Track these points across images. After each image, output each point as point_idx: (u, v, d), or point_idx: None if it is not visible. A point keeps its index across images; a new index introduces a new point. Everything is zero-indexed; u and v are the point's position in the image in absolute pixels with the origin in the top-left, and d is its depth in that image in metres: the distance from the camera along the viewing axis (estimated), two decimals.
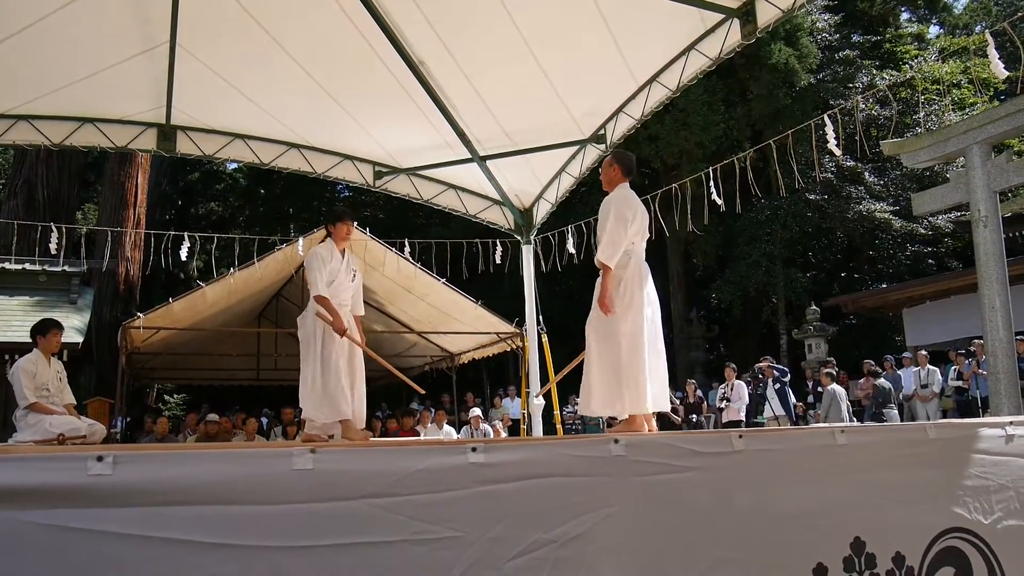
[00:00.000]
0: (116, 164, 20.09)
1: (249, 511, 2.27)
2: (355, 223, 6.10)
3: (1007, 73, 5.53)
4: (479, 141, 8.14)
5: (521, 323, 11.35)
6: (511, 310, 12.68)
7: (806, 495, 3.02)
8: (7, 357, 11.64)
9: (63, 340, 6.97)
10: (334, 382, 5.45)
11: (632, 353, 4.44)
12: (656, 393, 4.49)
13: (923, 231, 21.17)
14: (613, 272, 4.56)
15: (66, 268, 15.11)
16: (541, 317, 9.79)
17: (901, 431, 3.55)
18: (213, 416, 11.63)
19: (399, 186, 9.30)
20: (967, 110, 19.88)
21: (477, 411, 13.22)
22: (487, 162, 8.41)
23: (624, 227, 4.59)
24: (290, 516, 2.30)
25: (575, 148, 8.28)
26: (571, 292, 24.73)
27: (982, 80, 19.44)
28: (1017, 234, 15.68)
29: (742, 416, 12.98)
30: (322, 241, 6.13)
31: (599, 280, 4.63)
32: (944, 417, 12.23)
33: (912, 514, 3.15)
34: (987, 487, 3.33)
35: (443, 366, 16.42)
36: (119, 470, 2.17)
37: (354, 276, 5.94)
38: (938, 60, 21.57)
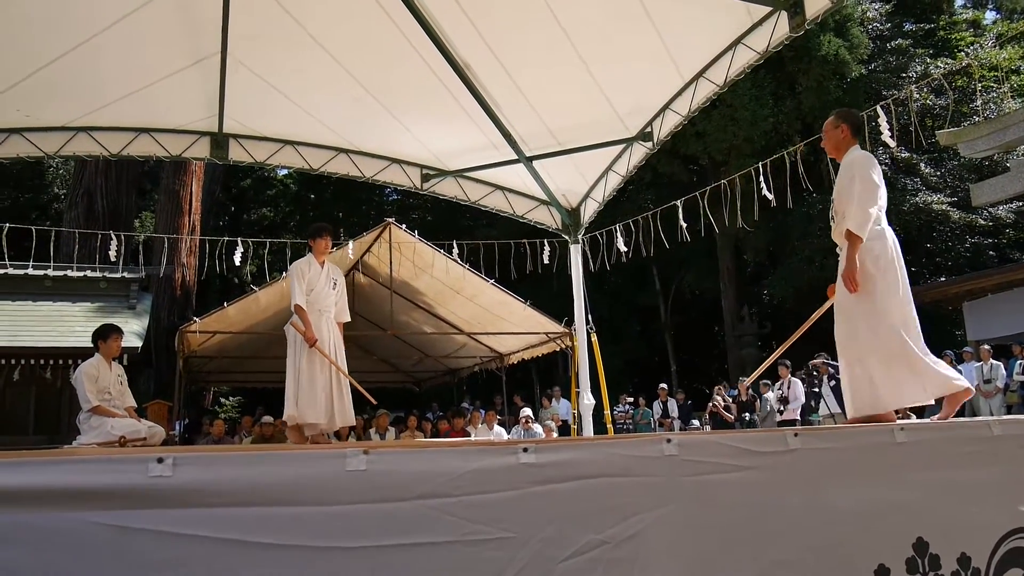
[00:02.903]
0: (171, 173, 20.64)
1: (304, 512, 2.30)
2: (332, 238, 6.72)
3: None
4: (525, 141, 8.13)
5: (570, 323, 11.31)
6: (559, 310, 12.66)
7: (865, 495, 2.95)
8: (71, 362, 12.01)
9: (123, 344, 7.15)
10: (308, 387, 6.05)
11: (909, 332, 3.99)
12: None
13: (983, 222, 20.58)
14: (867, 244, 4.06)
15: (125, 275, 15.54)
16: (590, 316, 9.76)
17: (964, 428, 3.44)
18: (268, 418, 11.84)
19: (446, 188, 9.35)
20: None
21: (528, 411, 13.22)
22: (533, 162, 8.41)
23: (876, 191, 4.08)
24: (345, 516, 2.32)
25: (622, 146, 8.23)
26: (619, 291, 24.63)
27: None
28: None
29: (798, 415, 12.77)
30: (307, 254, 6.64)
31: (843, 255, 4.15)
32: (1009, 413, 11.86)
33: (977, 514, 3.06)
34: None
35: (492, 366, 16.48)
36: (179, 472, 2.21)
37: (334, 285, 6.52)
38: (995, 46, 20.95)
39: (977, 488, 3.12)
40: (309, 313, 6.18)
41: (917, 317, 4.12)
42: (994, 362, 12.66)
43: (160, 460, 2.21)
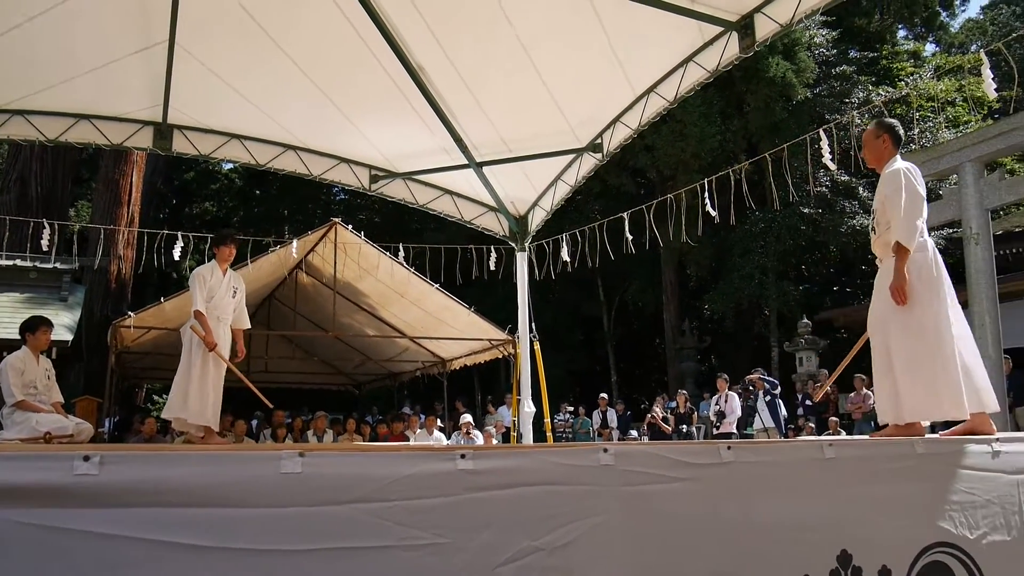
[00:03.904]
0: (111, 161, 20.08)
1: (237, 514, 2.26)
2: (236, 246, 6.93)
3: (996, 94, 5.57)
4: (476, 147, 8.14)
5: (513, 330, 11.35)
6: (504, 317, 12.70)
7: (793, 507, 3.03)
8: None
9: (52, 338, 6.95)
10: (197, 390, 6.32)
11: (942, 347, 3.92)
12: (981, 389, 3.99)
13: None
14: (912, 256, 4.00)
15: (57, 265, 15.07)
16: (534, 324, 9.80)
17: (889, 445, 3.55)
18: None
19: (395, 190, 9.30)
20: (961, 128, 20.02)
21: (468, 417, 13.21)
22: (483, 168, 8.42)
23: (921, 202, 4.03)
24: (278, 520, 2.29)
25: (571, 156, 8.29)
26: (564, 301, 24.77)
27: (976, 98, 19.59)
28: (1008, 252, 15.78)
29: (734, 429, 13.00)
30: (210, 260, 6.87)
31: (887, 267, 4.10)
32: (932, 432, 12.24)
33: (899, 528, 3.16)
34: (973, 502, 3.34)
35: (434, 371, 16.41)
36: (105, 470, 2.15)
37: (235, 293, 6.77)
38: (933, 78, 21.72)
39: (900, 503, 3.22)
40: (208, 319, 6.40)
41: (967, 329, 4.07)
42: None
43: (86, 458, 2.15)
